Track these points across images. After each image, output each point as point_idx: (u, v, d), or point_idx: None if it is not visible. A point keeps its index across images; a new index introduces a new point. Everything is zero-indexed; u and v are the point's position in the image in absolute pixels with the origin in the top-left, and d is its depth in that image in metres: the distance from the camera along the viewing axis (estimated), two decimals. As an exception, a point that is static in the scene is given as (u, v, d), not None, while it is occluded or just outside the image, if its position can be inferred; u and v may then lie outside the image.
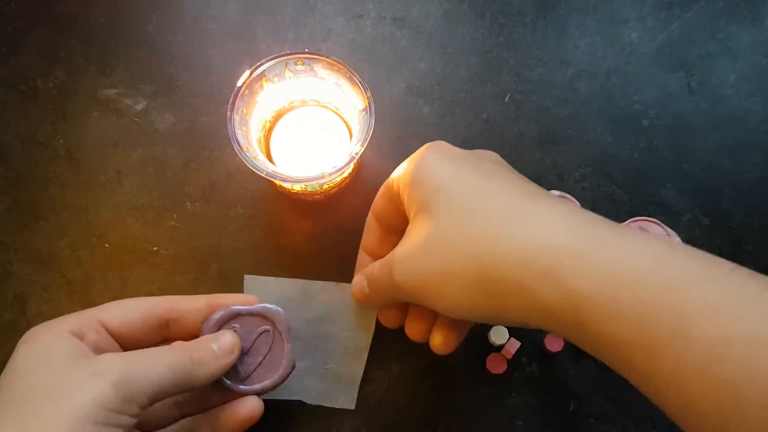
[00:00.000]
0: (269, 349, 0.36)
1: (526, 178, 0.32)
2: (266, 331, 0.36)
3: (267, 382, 0.36)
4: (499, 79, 0.48)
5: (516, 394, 0.43)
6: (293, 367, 0.37)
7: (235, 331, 0.36)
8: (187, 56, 0.48)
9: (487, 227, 0.28)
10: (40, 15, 0.49)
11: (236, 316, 0.36)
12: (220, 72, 0.48)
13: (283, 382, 0.37)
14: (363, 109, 0.39)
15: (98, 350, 0.32)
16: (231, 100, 0.38)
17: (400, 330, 0.38)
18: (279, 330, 0.37)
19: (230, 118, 0.38)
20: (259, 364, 0.36)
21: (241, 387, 0.36)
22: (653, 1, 0.50)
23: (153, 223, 0.45)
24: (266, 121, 0.44)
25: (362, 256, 0.39)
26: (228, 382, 0.36)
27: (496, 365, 0.43)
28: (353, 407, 0.43)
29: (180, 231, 0.45)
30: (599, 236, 0.26)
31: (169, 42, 0.48)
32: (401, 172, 0.34)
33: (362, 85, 0.38)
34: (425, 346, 0.37)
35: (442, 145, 0.33)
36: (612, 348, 0.25)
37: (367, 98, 0.38)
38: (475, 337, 0.43)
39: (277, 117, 0.45)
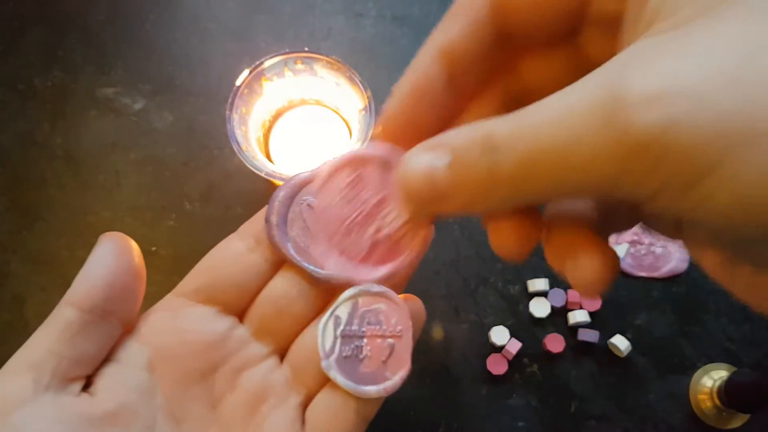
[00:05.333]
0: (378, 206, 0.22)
1: None
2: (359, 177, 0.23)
3: (400, 259, 0.22)
4: (499, 78, 0.48)
5: (517, 395, 0.43)
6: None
7: (308, 204, 0.24)
8: (186, 55, 0.48)
9: None
10: (37, 14, 0.49)
11: (298, 190, 0.25)
12: (219, 71, 0.48)
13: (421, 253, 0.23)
14: (363, 109, 0.38)
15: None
16: (230, 99, 0.38)
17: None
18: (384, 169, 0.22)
19: (229, 118, 0.38)
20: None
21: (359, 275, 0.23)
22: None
23: (152, 224, 0.45)
24: (265, 121, 0.44)
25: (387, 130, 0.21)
26: (319, 271, 0.23)
27: (496, 366, 0.43)
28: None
29: (179, 231, 0.45)
30: None
31: (168, 41, 0.48)
32: None
33: (362, 85, 0.38)
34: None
35: None
36: None
37: (367, 98, 0.38)
38: (475, 338, 0.43)
39: (277, 116, 0.45)
